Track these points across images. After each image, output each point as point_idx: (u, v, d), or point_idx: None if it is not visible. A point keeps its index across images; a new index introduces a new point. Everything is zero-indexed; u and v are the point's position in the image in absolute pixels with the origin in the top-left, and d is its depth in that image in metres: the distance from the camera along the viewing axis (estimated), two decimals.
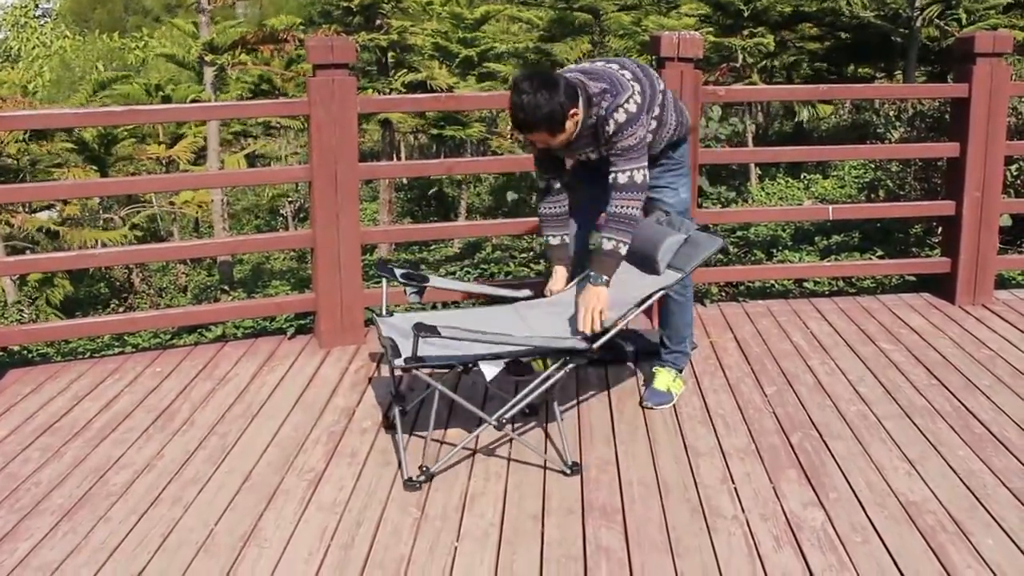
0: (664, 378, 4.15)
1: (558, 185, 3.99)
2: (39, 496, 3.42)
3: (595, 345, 3.53)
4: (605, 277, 3.63)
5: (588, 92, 3.63)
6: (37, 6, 36.88)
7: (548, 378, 3.54)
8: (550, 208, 4.01)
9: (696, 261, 3.75)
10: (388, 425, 3.94)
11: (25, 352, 5.67)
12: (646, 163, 3.69)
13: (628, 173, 3.64)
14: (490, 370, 3.38)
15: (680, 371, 4.20)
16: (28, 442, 3.88)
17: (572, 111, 3.57)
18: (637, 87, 3.68)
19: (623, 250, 3.67)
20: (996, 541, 3.06)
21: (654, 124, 3.80)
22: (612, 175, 3.67)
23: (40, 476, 3.58)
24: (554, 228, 4.03)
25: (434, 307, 5.80)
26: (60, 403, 4.29)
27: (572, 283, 4.05)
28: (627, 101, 3.61)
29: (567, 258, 4.04)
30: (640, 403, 4.10)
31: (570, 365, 3.55)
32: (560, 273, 4.03)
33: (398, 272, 3.98)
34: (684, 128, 4.03)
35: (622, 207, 3.66)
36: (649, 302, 3.70)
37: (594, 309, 3.57)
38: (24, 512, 3.31)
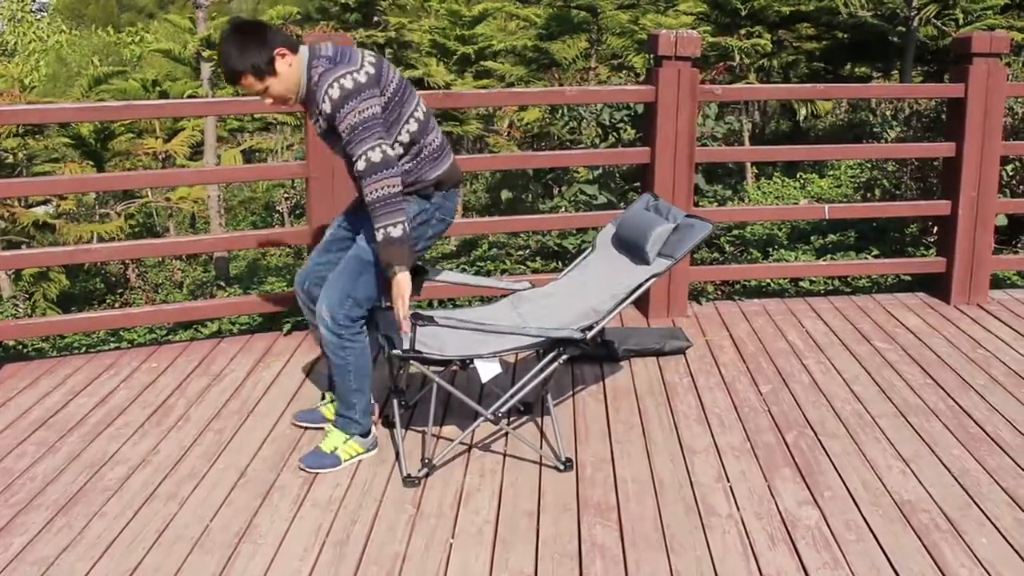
0: (333, 439, 3.62)
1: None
2: (34, 491, 3.42)
3: (588, 335, 3.53)
4: (395, 267, 3.27)
5: (312, 51, 3.34)
6: (34, 0, 36.83)
7: (542, 370, 3.55)
8: None
9: (686, 247, 3.74)
10: (386, 422, 3.94)
11: (20, 347, 5.66)
12: (382, 140, 3.26)
13: (363, 156, 3.24)
14: (486, 370, 3.38)
15: (354, 436, 3.62)
16: (23, 437, 3.88)
17: (279, 50, 3.27)
18: (366, 70, 3.31)
19: (396, 232, 3.25)
20: (990, 540, 3.07)
21: (406, 138, 3.45)
22: (354, 164, 3.30)
23: (35, 471, 3.58)
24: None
25: (430, 304, 5.80)
26: (55, 398, 4.29)
27: (565, 272, 4.05)
28: (343, 76, 3.26)
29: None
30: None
31: (564, 356, 3.55)
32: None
33: None
34: (420, 176, 3.52)
35: (372, 192, 3.24)
36: (640, 291, 3.69)
37: (396, 299, 3.30)
38: (19, 507, 3.31)
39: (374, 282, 3.47)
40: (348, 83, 3.25)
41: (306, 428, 3.93)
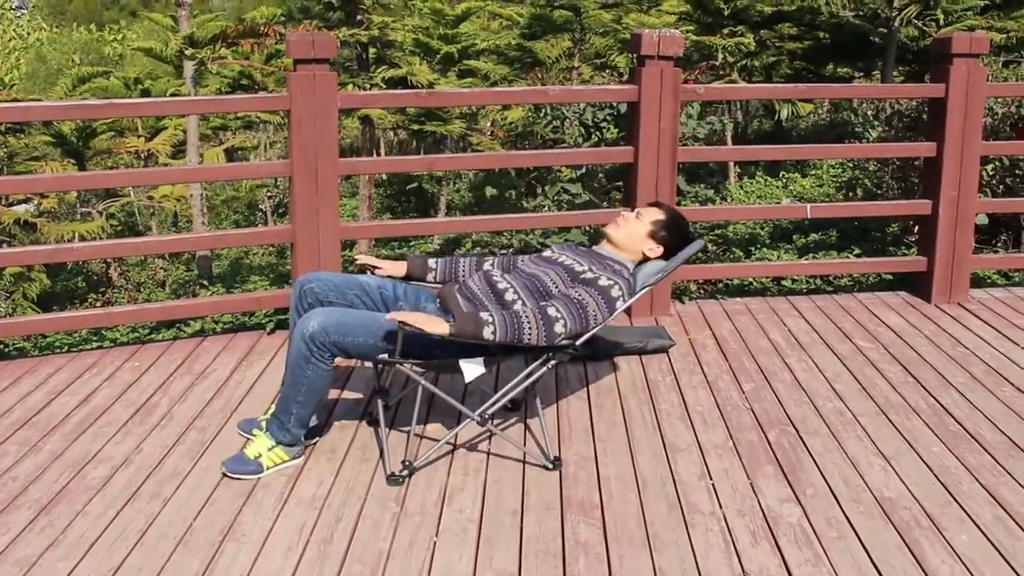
0: (258, 444, 3.57)
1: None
2: (16, 491, 3.41)
3: (578, 342, 3.55)
4: (451, 327, 3.31)
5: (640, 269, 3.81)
6: None
7: (530, 374, 3.56)
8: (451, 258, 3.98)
9: (677, 260, 3.77)
10: (370, 420, 3.94)
11: (2, 346, 5.63)
12: (576, 325, 3.47)
13: (561, 322, 3.42)
14: (470, 371, 3.38)
15: (280, 444, 3.57)
16: (5, 436, 3.86)
17: (663, 243, 3.78)
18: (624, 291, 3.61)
19: (488, 334, 3.32)
20: (970, 536, 3.09)
21: None
22: (550, 301, 3.51)
23: (17, 471, 3.56)
24: (434, 258, 3.97)
25: None
26: (37, 397, 4.27)
27: None
28: (617, 285, 3.57)
29: (414, 265, 3.92)
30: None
31: (552, 362, 3.57)
32: (397, 266, 3.92)
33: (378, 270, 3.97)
34: None
35: (528, 315, 3.39)
36: (632, 300, 3.72)
37: (414, 316, 3.32)
38: (1, 507, 3.29)
39: (372, 349, 3.47)
40: (615, 296, 3.56)
41: (246, 439, 3.80)
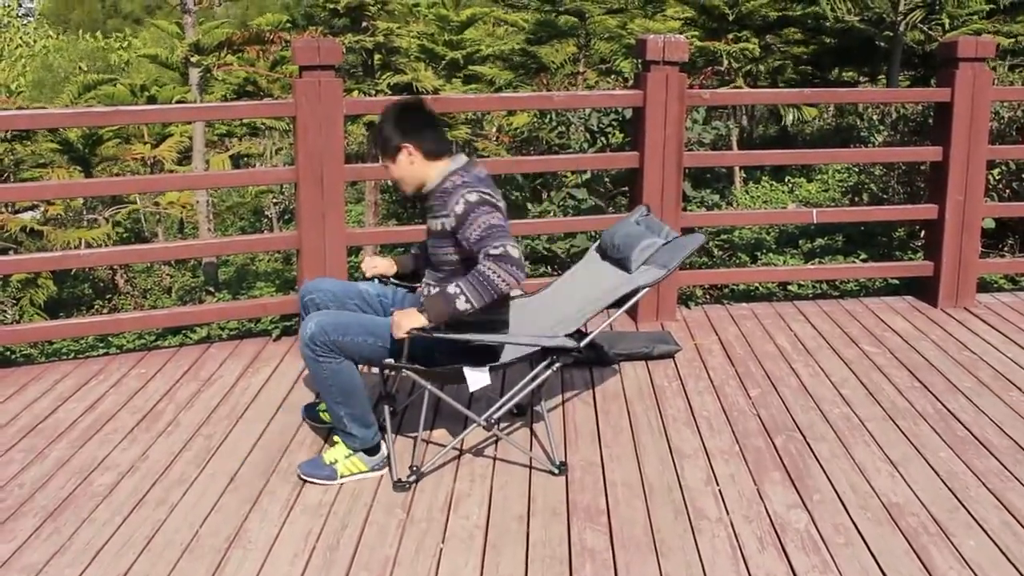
0: (336, 451, 3.58)
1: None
2: (23, 497, 3.41)
3: (582, 344, 3.54)
4: (427, 315, 3.33)
5: (463, 165, 3.57)
6: (20, 5, 36.72)
7: (535, 377, 3.56)
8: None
9: (679, 258, 3.75)
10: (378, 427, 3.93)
11: (8, 353, 5.64)
12: (514, 242, 3.38)
13: (504, 246, 3.31)
14: (475, 379, 3.38)
15: (357, 452, 3.56)
16: (11, 443, 3.87)
17: (407, 147, 3.52)
18: (492, 191, 3.50)
19: (463, 305, 3.30)
20: (978, 542, 3.08)
21: None
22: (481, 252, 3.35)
23: (24, 477, 3.57)
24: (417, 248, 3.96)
25: None
26: (44, 404, 4.27)
27: (556, 280, 4.06)
28: (484, 192, 3.44)
29: (409, 263, 3.93)
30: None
31: (557, 364, 3.56)
32: (385, 262, 3.92)
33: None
34: None
35: (489, 271, 3.31)
36: (632, 301, 3.71)
37: (398, 320, 3.34)
38: (8, 514, 3.30)
39: (370, 350, 3.47)
40: (487, 197, 3.42)
41: (312, 424, 3.96)
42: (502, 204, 3.51)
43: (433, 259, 3.63)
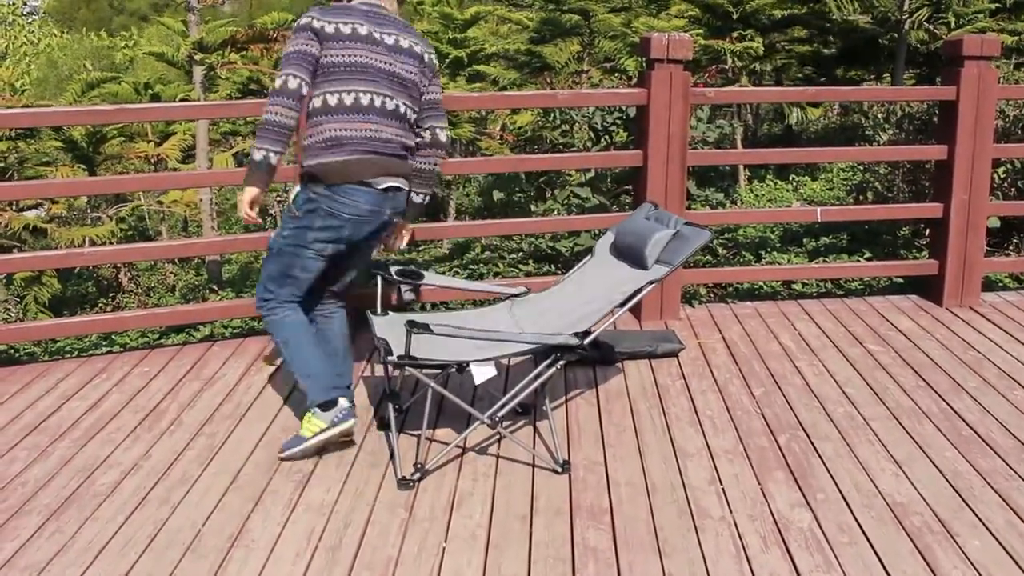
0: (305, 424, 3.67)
1: (305, 92, 3.56)
2: (26, 496, 3.41)
3: (585, 341, 3.54)
4: (247, 184, 3.51)
5: None
6: (25, 3, 36.74)
7: (539, 375, 3.55)
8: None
9: (684, 255, 3.75)
10: (381, 424, 3.93)
11: (12, 351, 5.64)
12: (293, 73, 3.44)
13: (275, 78, 3.46)
14: (480, 373, 3.38)
15: (312, 411, 3.63)
16: (15, 441, 3.87)
17: None
18: (329, 28, 3.50)
19: (257, 156, 3.45)
20: (982, 542, 3.07)
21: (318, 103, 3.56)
22: None
23: (27, 476, 3.57)
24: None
25: (423, 308, 5.80)
26: (47, 402, 4.27)
27: (564, 277, 4.06)
28: (306, 15, 3.52)
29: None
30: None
31: (561, 362, 3.56)
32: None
33: (393, 269, 3.97)
34: (312, 155, 3.57)
35: (263, 112, 3.45)
36: (638, 297, 3.70)
37: (241, 206, 3.58)
38: (11, 512, 3.30)
39: (277, 265, 3.66)
40: (302, 20, 3.50)
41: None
42: (316, 22, 3.49)
43: None
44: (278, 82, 3.42)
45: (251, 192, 3.54)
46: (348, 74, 3.52)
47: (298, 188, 3.65)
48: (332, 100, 3.53)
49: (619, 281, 3.80)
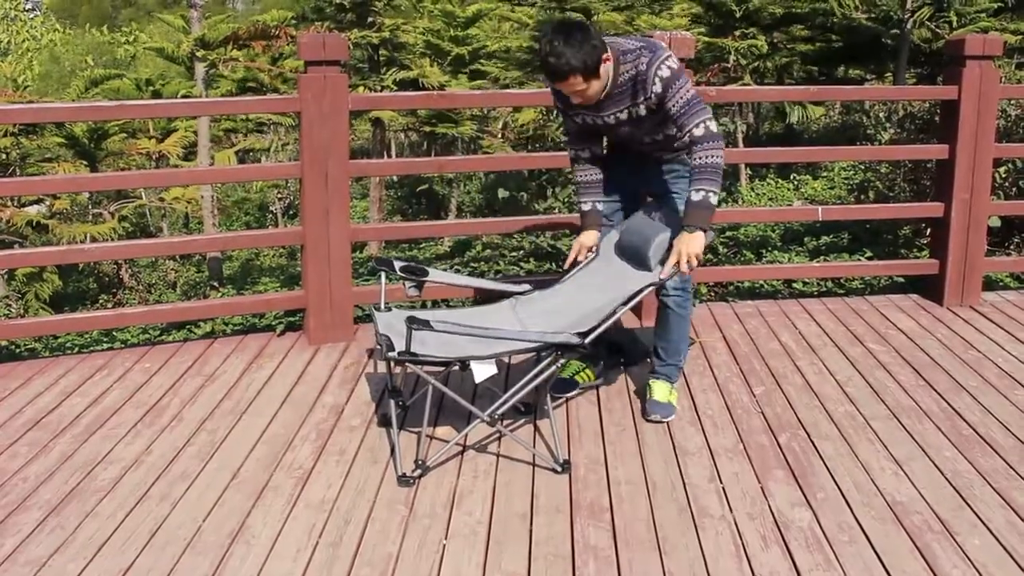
0: (662, 389, 4.04)
1: (588, 155, 4.02)
2: (26, 492, 3.42)
3: (587, 340, 3.53)
4: (699, 227, 3.64)
5: (617, 47, 3.65)
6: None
7: (539, 373, 3.55)
8: (583, 176, 4.07)
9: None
10: (383, 421, 3.94)
11: (13, 347, 5.65)
12: (711, 114, 3.68)
13: (701, 125, 3.62)
14: (480, 371, 3.38)
15: (673, 384, 4.10)
16: (15, 437, 3.87)
17: (604, 55, 3.55)
18: (671, 52, 3.67)
19: (714, 199, 3.65)
20: (982, 541, 3.07)
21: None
22: (687, 132, 3.65)
23: (27, 471, 3.57)
24: (586, 194, 4.08)
25: (424, 306, 5.80)
26: (48, 398, 4.28)
27: (567, 276, 4.05)
28: (667, 58, 3.61)
29: (598, 224, 4.07)
30: (644, 416, 3.99)
31: (562, 360, 3.56)
32: (590, 236, 4.07)
33: (397, 265, 3.97)
34: None
35: (705, 157, 3.62)
36: (639, 298, 3.70)
37: (685, 253, 3.63)
38: (11, 508, 3.30)
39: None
40: (673, 64, 3.62)
41: (563, 399, 4.17)
42: (675, 59, 3.65)
43: (635, 147, 3.95)
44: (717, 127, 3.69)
45: (701, 241, 3.69)
46: None
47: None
48: None
49: (622, 281, 3.80)
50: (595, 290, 3.85)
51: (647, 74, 3.60)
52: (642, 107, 3.70)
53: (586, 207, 4.08)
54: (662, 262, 3.78)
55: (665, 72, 3.59)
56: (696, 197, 3.62)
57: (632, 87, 3.66)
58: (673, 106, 3.63)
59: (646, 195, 4.13)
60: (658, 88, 3.61)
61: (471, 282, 4.15)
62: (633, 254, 3.87)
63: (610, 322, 3.63)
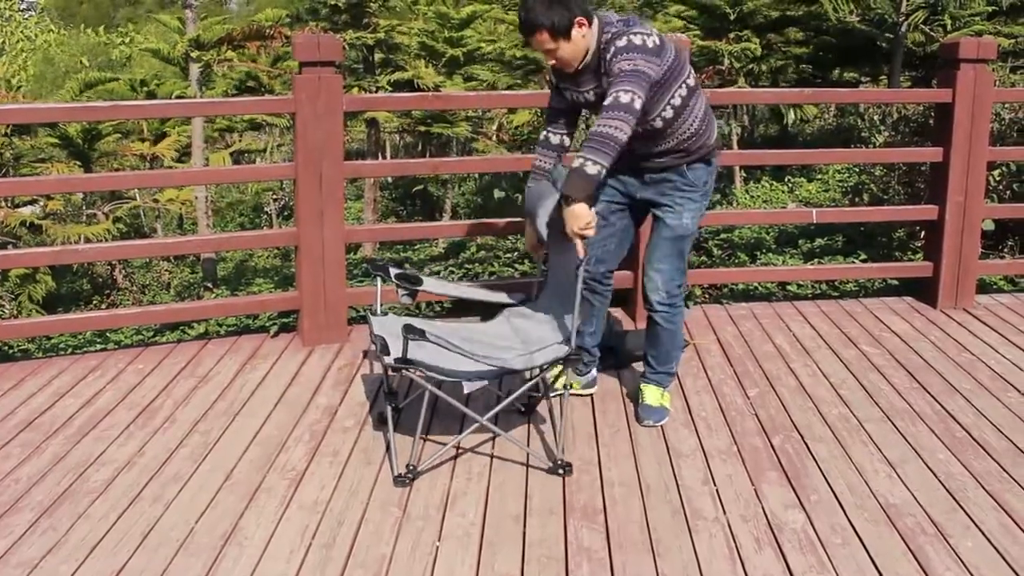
0: (654, 394, 4.04)
1: (557, 140, 3.88)
2: (19, 493, 3.41)
3: (572, 346, 3.50)
4: (574, 197, 3.35)
5: (603, 19, 3.55)
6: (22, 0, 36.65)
7: (533, 378, 3.55)
8: (540, 161, 3.91)
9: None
10: (379, 421, 3.93)
11: (6, 348, 5.64)
12: (643, 94, 3.41)
13: (615, 94, 3.38)
14: (470, 385, 3.37)
15: (666, 388, 4.10)
16: (8, 438, 3.86)
17: (579, 19, 3.46)
18: (656, 38, 3.52)
19: (593, 169, 3.35)
20: (975, 543, 3.08)
21: (678, 101, 3.63)
22: (608, 97, 3.43)
23: (20, 473, 3.56)
24: (536, 181, 3.90)
25: (419, 308, 5.80)
26: (41, 399, 4.27)
27: (544, 278, 4.04)
28: (636, 34, 3.46)
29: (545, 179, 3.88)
30: (638, 421, 3.98)
31: (559, 366, 3.54)
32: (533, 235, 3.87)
33: (392, 272, 3.96)
34: (707, 140, 3.80)
35: (601, 126, 3.37)
36: (579, 286, 3.53)
37: (570, 232, 3.40)
38: (3, 509, 3.29)
39: (683, 250, 3.90)
40: (637, 40, 3.46)
41: (586, 395, 4.25)
42: (650, 40, 3.49)
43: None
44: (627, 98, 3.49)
45: (583, 210, 3.41)
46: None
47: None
48: (691, 81, 3.73)
49: (569, 268, 3.69)
50: (559, 285, 3.80)
51: (610, 44, 3.48)
52: (604, 81, 3.54)
53: (540, 162, 3.92)
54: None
55: (622, 42, 3.44)
56: (575, 163, 3.38)
57: (598, 60, 3.56)
58: (614, 70, 3.44)
59: (643, 202, 3.98)
60: (610, 56, 3.46)
61: (464, 292, 4.14)
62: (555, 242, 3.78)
63: (576, 315, 3.53)
